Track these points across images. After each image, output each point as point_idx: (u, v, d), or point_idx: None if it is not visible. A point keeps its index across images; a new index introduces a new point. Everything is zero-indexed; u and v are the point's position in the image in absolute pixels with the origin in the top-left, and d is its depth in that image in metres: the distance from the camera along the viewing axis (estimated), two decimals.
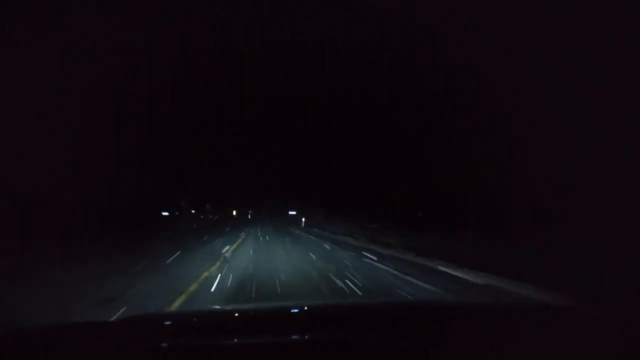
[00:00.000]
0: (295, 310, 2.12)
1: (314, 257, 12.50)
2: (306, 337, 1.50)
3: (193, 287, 7.16)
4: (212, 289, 7.08)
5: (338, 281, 8.01)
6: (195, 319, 1.89)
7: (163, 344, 1.40)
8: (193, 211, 55.01)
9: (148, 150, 26.88)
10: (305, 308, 2.19)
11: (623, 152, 12.14)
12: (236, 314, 1.97)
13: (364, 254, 13.64)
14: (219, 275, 8.60)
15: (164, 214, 38.64)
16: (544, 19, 16.43)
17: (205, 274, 8.72)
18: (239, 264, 10.51)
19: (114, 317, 4.07)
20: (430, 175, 24.50)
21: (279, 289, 7.21)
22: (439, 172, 23.29)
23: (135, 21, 19.51)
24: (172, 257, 11.63)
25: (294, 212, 59.91)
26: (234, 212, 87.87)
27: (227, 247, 15.33)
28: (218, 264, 10.51)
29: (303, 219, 43.87)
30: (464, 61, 20.30)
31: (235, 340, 1.46)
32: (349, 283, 7.79)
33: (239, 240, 19.74)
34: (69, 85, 17.96)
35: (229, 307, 2.75)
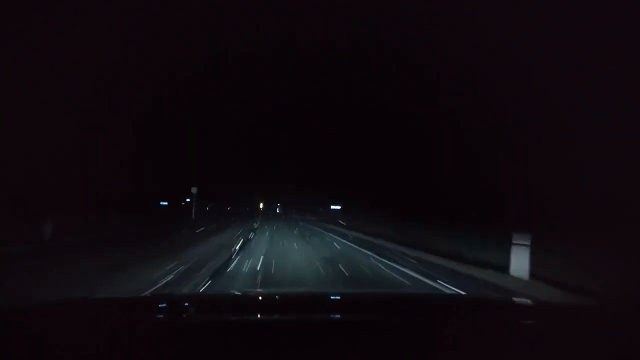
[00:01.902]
0: (320, 296, 2.14)
1: None
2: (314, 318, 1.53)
3: None
4: None
5: None
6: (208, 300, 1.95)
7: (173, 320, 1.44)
8: None
9: (159, 147, 27.01)
10: (328, 294, 2.22)
11: (625, 150, 12.18)
12: (260, 297, 2.01)
13: None
14: None
15: (162, 203, 38.31)
16: (545, 19, 16.48)
17: None
18: None
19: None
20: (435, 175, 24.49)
21: None
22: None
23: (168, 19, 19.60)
24: None
25: (337, 207, 44.67)
26: (261, 205, 78.77)
27: None
28: None
29: None
30: (478, 61, 20.33)
31: (257, 317, 1.49)
32: None
33: None
34: (75, 77, 18.07)
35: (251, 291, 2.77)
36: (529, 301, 2.51)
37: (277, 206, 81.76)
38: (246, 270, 7.82)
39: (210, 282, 6.58)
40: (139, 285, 6.10)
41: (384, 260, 10.10)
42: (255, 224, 24.51)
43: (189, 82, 28.22)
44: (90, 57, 18.92)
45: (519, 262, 7.85)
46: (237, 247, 11.61)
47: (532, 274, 7.57)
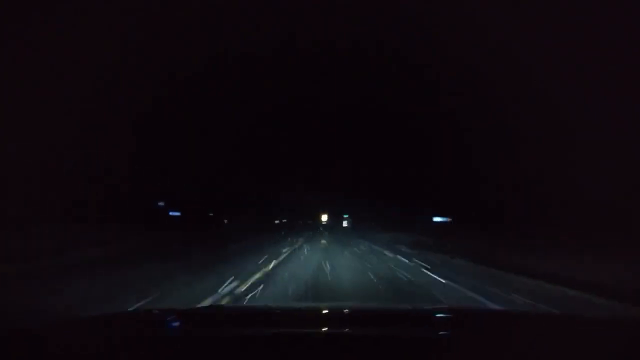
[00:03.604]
0: (326, 311, 2.12)
1: None
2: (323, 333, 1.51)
3: None
4: None
5: None
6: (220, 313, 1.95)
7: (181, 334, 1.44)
8: None
9: (159, 147, 27.06)
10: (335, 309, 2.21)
11: (625, 150, 12.18)
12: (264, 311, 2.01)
13: None
14: None
15: (172, 214, 36.34)
16: (545, 19, 16.47)
17: None
18: None
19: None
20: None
21: None
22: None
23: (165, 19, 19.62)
24: None
25: (443, 219, 31.42)
26: (324, 218, 64.84)
27: None
28: None
29: None
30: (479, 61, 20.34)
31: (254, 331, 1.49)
32: None
33: None
34: (75, 77, 18.09)
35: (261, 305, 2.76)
36: (554, 312, 2.46)
37: (345, 219, 57.53)
38: None
39: None
40: None
41: None
42: None
43: (189, 82, 28.21)
44: (90, 57, 18.93)
45: None
46: None
47: None
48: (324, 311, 2.09)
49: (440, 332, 1.57)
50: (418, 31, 23.15)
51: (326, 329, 1.60)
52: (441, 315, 1.96)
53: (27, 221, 14.86)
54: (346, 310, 2.16)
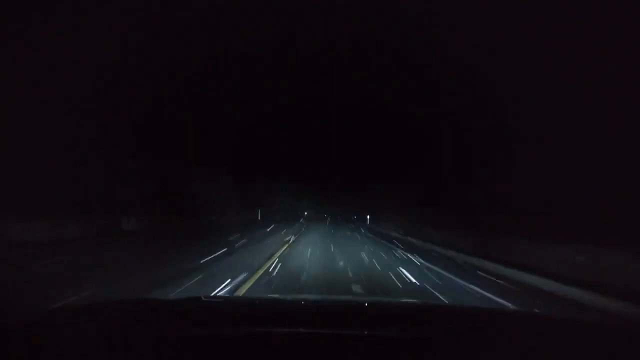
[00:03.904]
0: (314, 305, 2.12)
1: None
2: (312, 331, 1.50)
3: None
4: None
5: None
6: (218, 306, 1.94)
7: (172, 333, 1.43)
8: None
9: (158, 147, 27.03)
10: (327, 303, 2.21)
11: (625, 150, 12.16)
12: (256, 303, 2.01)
13: None
14: None
15: None
16: (545, 19, 16.45)
17: None
18: None
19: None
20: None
21: None
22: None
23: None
24: None
25: None
26: (305, 214, 65.11)
27: None
28: None
29: None
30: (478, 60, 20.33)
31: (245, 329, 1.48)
32: None
33: None
34: (75, 77, 18.10)
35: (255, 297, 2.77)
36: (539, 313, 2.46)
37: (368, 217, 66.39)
38: None
39: None
40: None
41: None
42: None
43: (189, 82, 28.21)
44: (90, 57, 18.92)
45: None
46: None
47: None
48: (327, 307, 2.08)
49: (436, 331, 1.57)
50: (418, 31, 23.15)
51: (330, 326, 1.59)
52: (437, 313, 1.97)
53: (27, 221, 14.85)
54: (347, 305, 2.16)
